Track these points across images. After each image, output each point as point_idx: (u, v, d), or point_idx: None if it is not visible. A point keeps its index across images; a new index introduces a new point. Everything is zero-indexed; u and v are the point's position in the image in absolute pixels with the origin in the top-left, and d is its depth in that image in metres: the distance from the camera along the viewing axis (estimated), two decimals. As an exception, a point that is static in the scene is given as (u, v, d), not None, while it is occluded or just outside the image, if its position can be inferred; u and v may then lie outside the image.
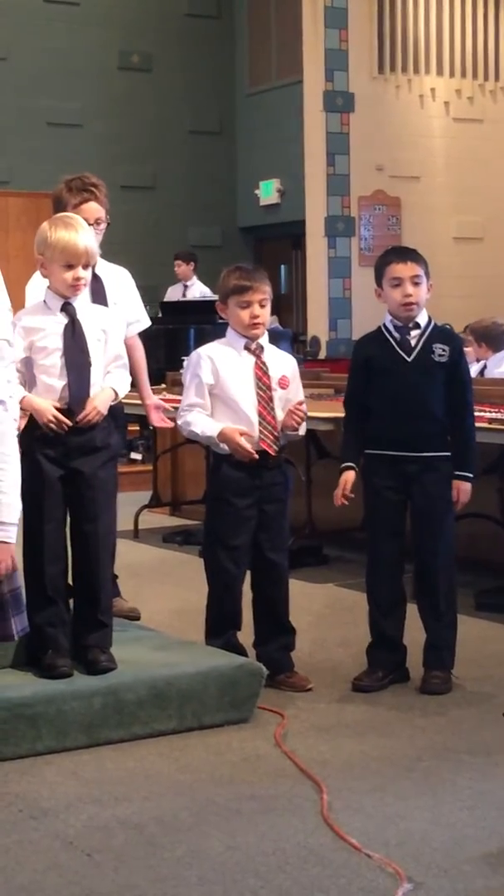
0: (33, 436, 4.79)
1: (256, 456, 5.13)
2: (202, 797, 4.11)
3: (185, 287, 14.12)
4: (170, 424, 6.33)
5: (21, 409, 4.64)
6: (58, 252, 4.81)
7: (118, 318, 5.39)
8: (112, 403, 4.96)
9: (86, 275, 4.87)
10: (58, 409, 4.80)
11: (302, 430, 5.33)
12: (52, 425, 4.79)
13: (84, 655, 4.85)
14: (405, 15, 15.79)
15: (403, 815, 3.95)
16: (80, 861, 3.65)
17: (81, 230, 4.87)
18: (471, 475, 5.23)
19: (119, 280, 5.92)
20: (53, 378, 4.83)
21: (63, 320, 4.86)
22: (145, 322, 6.13)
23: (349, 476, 5.29)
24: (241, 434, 5.11)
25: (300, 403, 5.23)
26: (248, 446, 5.12)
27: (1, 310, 4.54)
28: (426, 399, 5.20)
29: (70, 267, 4.81)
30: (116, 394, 4.99)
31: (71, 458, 4.84)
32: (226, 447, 5.16)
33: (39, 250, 4.87)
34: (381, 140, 15.41)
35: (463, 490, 5.21)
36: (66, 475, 4.85)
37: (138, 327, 6.09)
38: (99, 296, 5.55)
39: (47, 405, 4.80)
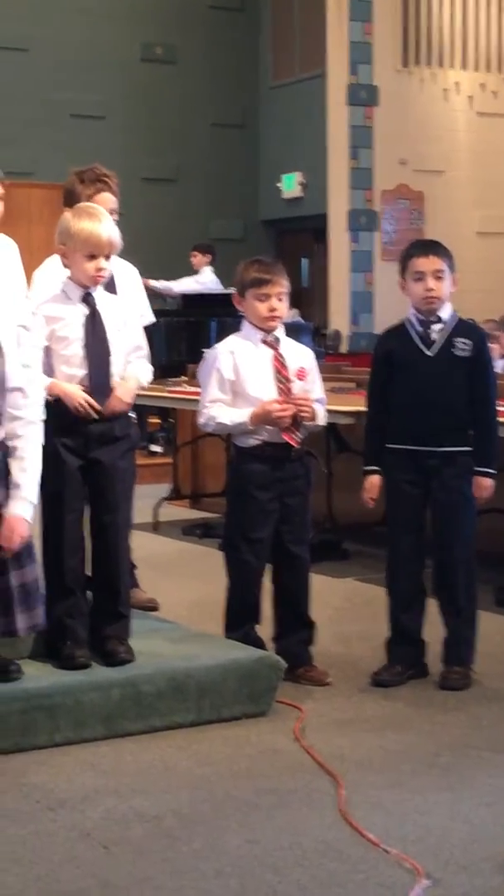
0: (53, 425, 4.78)
1: (290, 420, 5.10)
2: (220, 790, 4.11)
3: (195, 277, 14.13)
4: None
5: (48, 394, 4.66)
6: (80, 242, 4.80)
7: (134, 310, 5.38)
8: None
9: (108, 265, 4.87)
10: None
11: (321, 420, 5.30)
12: (81, 410, 4.77)
13: (102, 647, 4.85)
14: (430, 8, 15.75)
15: (422, 810, 3.94)
16: (97, 853, 3.64)
17: (105, 220, 4.88)
18: (492, 471, 5.20)
19: (127, 275, 5.89)
20: (74, 367, 4.83)
21: (84, 310, 4.85)
22: (149, 317, 6.09)
23: (375, 480, 5.26)
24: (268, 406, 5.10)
25: (306, 400, 5.17)
26: (283, 411, 5.09)
27: (19, 296, 4.55)
28: (447, 393, 5.18)
29: (93, 257, 4.81)
30: (141, 384, 5.00)
31: (90, 448, 4.84)
32: (257, 435, 5.12)
33: (62, 240, 4.87)
34: (404, 134, 15.38)
35: (484, 486, 5.19)
36: (85, 465, 4.84)
37: (142, 321, 6.03)
38: (109, 288, 5.54)
39: (76, 389, 4.78)
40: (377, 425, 5.32)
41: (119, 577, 4.97)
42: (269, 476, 5.16)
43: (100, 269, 4.83)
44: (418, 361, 5.19)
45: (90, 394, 4.81)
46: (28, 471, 4.37)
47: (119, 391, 4.87)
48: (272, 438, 5.14)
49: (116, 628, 4.91)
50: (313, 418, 5.20)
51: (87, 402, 4.78)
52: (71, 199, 5.56)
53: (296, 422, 5.14)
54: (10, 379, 4.34)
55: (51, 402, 4.75)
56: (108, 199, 5.61)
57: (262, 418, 5.10)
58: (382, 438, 5.29)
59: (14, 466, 4.36)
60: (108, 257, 4.86)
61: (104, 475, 4.87)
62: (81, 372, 4.83)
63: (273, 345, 5.21)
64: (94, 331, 4.85)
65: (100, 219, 4.87)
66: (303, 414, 5.13)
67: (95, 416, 4.79)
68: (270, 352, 5.20)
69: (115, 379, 4.88)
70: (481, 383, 5.24)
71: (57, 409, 4.76)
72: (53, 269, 5.18)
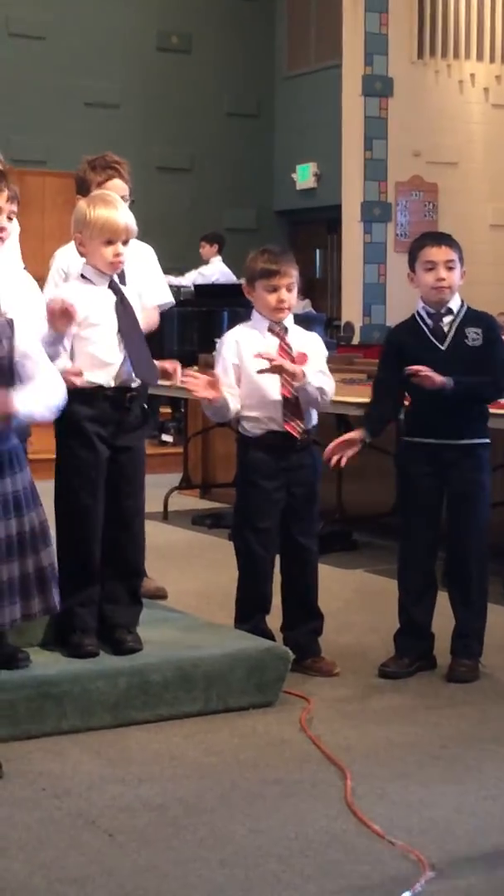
0: (84, 413, 4.76)
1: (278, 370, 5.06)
2: (226, 780, 4.11)
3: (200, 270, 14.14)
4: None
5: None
6: (97, 229, 4.80)
7: (138, 295, 5.35)
8: None
9: (125, 251, 4.87)
10: (114, 387, 4.79)
11: (329, 389, 5.17)
12: (74, 381, 4.65)
13: (111, 635, 4.85)
14: (446, 0, 15.70)
15: (427, 802, 3.94)
16: (102, 841, 3.64)
17: (121, 206, 4.89)
18: (451, 385, 5.05)
19: (142, 257, 5.83)
20: (109, 354, 4.79)
21: (112, 296, 4.85)
22: (168, 297, 6.02)
23: (356, 433, 5.21)
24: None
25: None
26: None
27: (35, 291, 4.54)
28: (462, 386, 5.17)
29: (110, 243, 4.81)
30: None
31: (119, 436, 4.83)
32: (265, 421, 5.12)
33: (78, 228, 4.86)
34: (419, 125, 15.35)
35: (436, 379, 5.05)
36: (112, 453, 4.84)
37: (160, 299, 5.97)
38: (119, 276, 5.53)
39: (65, 367, 4.66)
40: (378, 406, 5.31)
41: (138, 564, 4.97)
42: (273, 465, 5.16)
43: (118, 255, 4.83)
44: (431, 355, 5.17)
45: (133, 378, 4.82)
46: (39, 402, 4.19)
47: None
48: (274, 427, 5.13)
49: (127, 616, 4.91)
50: (301, 377, 5.11)
51: (69, 370, 4.67)
52: (82, 187, 5.56)
53: (298, 410, 5.12)
54: (28, 368, 4.31)
55: (84, 390, 4.72)
56: (119, 186, 5.59)
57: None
58: (381, 415, 5.27)
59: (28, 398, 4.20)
60: (125, 242, 4.87)
61: (131, 461, 4.88)
62: (118, 357, 4.81)
63: (280, 334, 5.21)
64: (126, 316, 4.85)
65: (115, 205, 4.87)
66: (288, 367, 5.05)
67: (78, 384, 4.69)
68: (276, 341, 5.19)
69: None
70: (494, 360, 5.17)
71: (91, 396, 4.75)
72: (73, 255, 5.17)
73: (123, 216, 4.85)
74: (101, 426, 4.80)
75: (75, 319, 4.68)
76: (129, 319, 4.85)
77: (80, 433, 4.76)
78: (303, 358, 5.18)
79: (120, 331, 4.81)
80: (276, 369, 5.07)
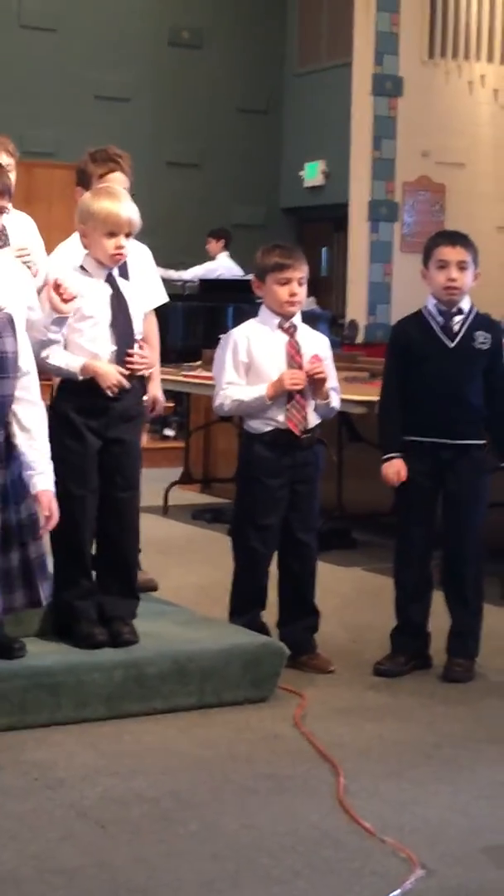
0: (74, 405, 4.78)
1: (302, 386, 5.10)
2: (219, 774, 4.11)
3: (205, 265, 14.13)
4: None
5: (81, 374, 4.68)
6: (100, 221, 4.81)
7: (141, 293, 5.36)
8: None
9: (127, 245, 4.87)
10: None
11: (335, 403, 5.27)
12: (115, 389, 4.77)
13: (108, 627, 4.85)
14: (457, 0, 15.68)
15: (420, 801, 3.94)
16: (94, 832, 3.65)
17: (125, 199, 4.90)
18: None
19: (140, 257, 5.86)
20: (99, 346, 4.81)
21: (108, 289, 4.86)
22: (162, 297, 6.03)
23: (398, 463, 5.17)
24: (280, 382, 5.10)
25: (317, 365, 5.14)
26: (295, 378, 5.09)
27: (24, 277, 4.56)
28: (466, 386, 5.17)
29: (112, 235, 4.82)
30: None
31: (111, 428, 4.83)
32: (269, 416, 5.12)
33: (81, 220, 4.87)
34: (428, 126, 15.31)
35: None
36: (104, 445, 4.84)
37: (156, 302, 5.99)
38: (121, 269, 5.53)
39: (112, 369, 4.77)
40: (394, 414, 5.27)
41: (133, 557, 4.98)
42: (278, 463, 5.16)
43: (119, 248, 4.83)
44: (439, 353, 5.17)
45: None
46: (40, 449, 4.41)
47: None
48: (280, 425, 5.13)
49: (124, 608, 4.92)
50: (327, 395, 5.17)
51: (119, 382, 4.77)
52: (83, 179, 5.56)
53: (304, 406, 5.12)
54: (22, 361, 4.37)
55: (75, 382, 4.74)
56: (119, 179, 5.58)
57: (278, 386, 5.09)
58: (400, 427, 5.24)
59: (24, 444, 4.38)
60: (128, 236, 4.87)
61: (125, 453, 4.88)
62: (108, 350, 4.82)
63: (289, 331, 5.21)
64: (120, 310, 4.85)
65: (119, 198, 4.88)
66: (318, 376, 5.10)
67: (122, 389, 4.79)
68: (286, 338, 5.19)
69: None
70: (499, 376, 5.22)
71: (81, 388, 4.77)
72: (76, 245, 5.18)
73: (127, 209, 4.85)
74: (90, 417, 4.80)
75: (74, 298, 4.72)
76: (123, 314, 4.86)
77: (69, 424, 4.77)
78: (317, 360, 5.18)
79: (112, 325, 4.82)
80: (319, 382, 5.10)
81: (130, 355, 4.81)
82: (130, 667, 4.64)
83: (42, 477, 4.43)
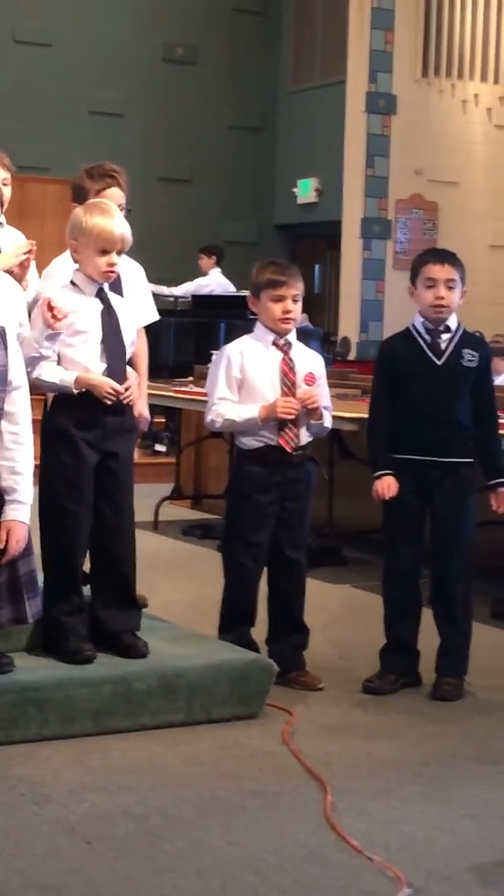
0: (71, 419, 4.77)
1: (294, 415, 5.10)
2: (206, 791, 4.10)
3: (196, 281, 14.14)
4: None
5: (75, 387, 4.69)
6: (93, 237, 4.80)
7: (134, 310, 5.36)
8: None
9: (119, 261, 4.87)
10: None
11: (327, 423, 5.28)
12: (111, 399, 4.77)
13: (119, 641, 4.85)
14: (452, 19, 15.76)
15: (407, 819, 3.93)
16: (80, 848, 3.64)
17: (117, 216, 4.89)
18: None
19: (133, 274, 5.86)
20: (91, 362, 4.81)
21: (98, 305, 4.86)
22: (153, 315, 6.04)
23: (390, 479, 5.17)
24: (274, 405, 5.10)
25: (311, 396, 5.16)
26: (288, 407, 5.09)
27: (16, 293, 4.56)
28: (454, 404, 5.17)
29: (104, 252, 4.81)
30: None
31: (107, 440, 4.83)
32: (261, 434, 5.12)
33: (73, 235, 4.87)
34: (421, 144, 15.39)
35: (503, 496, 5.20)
36: (101, 460, 4.84)
37: (147, 319, 6.00)
38: (115, 288, 5.53)
39: (103, 380, 4.78)
40: (383, 432, 5.28)
41: (132, 570, 4.97)
42: (269, 479, 5.16)
43: (111, 265, 4.83)
44: (427, 370, 5.18)
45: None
46: (22, 473, 4.36)
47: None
48: (272, 441, 5.13)
49: (129, 622, 4.92)
50: (321, 417, 5.18)
51: (114, 389, 4.77)
52: (79, 194, 5.56)
53: (296, 424, 5.13)
54: (13, 375, 4.36)
55: (71, 396, 4.74)
56: (116, 195, 5.59)
57: (270, 411, 5.09)
58: (390, 443, 5.25)
59: (4, 470, 4.35)
60: (119, 253, 4.87)
61: (121, 467, 4.88)
62: (99, 367, 4.81)
63: (284, 348, 5.21)
64: (111, 326, 4.85)
65: (112, 215, 4.88)
66: (311, 406, 5.11)
67: (118, 399, 4.79)
68: (280, 355, 5.19)
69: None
70: (486, 396, 5.24)
71: (76, 402, 4.76)
72: (68, 263, 5.18)
73: (119, 226, 4.85)
74: (86, 431, 4.80)
75: (66, 316, 4.72)
76: (114, 329, 4.86)
77: (66, 438, 4.77)
78: (311, 379, 5.18)
79: (103, 341, 4.82)
80: (313, 408, 5.12)
81: (119, 393, 4.79)
82: (118, 682, 4.63)
83: (18, 508, 4.36)
